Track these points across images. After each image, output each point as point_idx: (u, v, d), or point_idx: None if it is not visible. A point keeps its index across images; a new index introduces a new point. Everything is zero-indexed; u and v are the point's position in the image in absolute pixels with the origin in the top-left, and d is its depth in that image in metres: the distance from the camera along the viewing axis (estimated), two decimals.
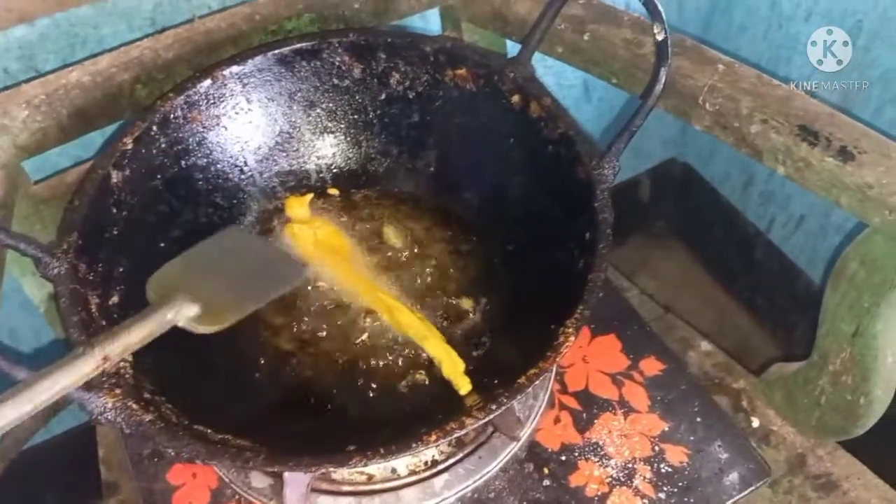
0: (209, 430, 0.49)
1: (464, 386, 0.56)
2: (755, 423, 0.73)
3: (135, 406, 0.47)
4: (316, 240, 0.67)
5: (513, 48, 0.79)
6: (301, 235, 0.67)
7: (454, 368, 0.57)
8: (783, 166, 0.59)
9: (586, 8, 0.68)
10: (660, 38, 0.54)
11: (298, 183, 0.70)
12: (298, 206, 0.69)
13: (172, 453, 0.46)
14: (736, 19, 1.11)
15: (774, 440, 0.72)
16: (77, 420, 0.99)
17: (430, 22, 0.87)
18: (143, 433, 0.46)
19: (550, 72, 1.06)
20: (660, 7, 0.54)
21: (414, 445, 0.46)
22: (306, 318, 0.63)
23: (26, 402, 0.39)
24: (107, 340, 0.43)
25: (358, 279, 0.65)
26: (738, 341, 1.26)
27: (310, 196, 0.70)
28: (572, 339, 0.49)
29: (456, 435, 0.46)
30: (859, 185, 0.55)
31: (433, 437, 0.46)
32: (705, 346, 0.81)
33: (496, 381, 0.53)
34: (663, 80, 0.54)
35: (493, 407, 0.47)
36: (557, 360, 0.49)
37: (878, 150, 0.56)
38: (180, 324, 0.46)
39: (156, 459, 0.63)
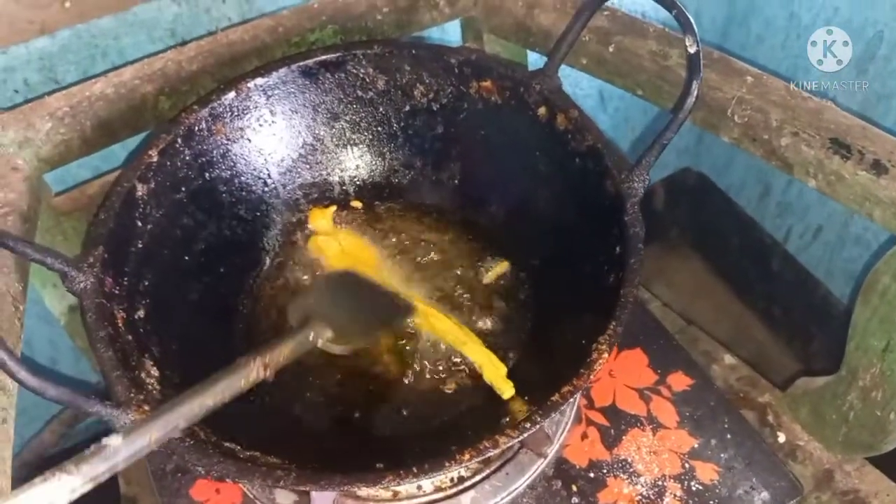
0: (238, 448, 0.49)
1: (507, 390, 0.55)
2: (781, 438, 0.72)
3: None
4: (342, 251, 0.66)
5: (533, 60, 0.79)
6: (326, 247, 0.67)
7: (496, 372, 0.56)
8: (814, 180, 0.58)
9: (612, 19, 0.67)
10: (692, 50, 0.54)
11: (322, 195, 0.70)
12: (322, 218, 0.69)
13: (202, 471, 0.46)
14: (753, 30, 1.10)
15: (801, 455, 0.71)
16: (96, 430, 0.99)
17: (448, 34, 0.87)
18: (172, 451, 0.46)
19: (566, 82, 1.05)
20: (692, 20, 0.54)
21: (448, 464, 0.45)
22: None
23: (208, 399, 0.44)
24: (265, 352, 0.48)
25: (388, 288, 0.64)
26: (756, 353, 1.24)
27: (333, 208, 0.70)
28: (606, 356, 0.48)
29: (490, 454, 0.45)
30: (894, 199, 0.54)
31: (466, 456, 0.45)
32: (729, 359, 0.80)
33: (526, 398, 0.52)
34: (695, 94, 0.54)
35: (527, 425, 0.46)
36: (591, 377, 0.48)
37: None
38: (319, 344, 0.52)
39: (179, 475, 0.62)
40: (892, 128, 0.95)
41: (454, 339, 0.60)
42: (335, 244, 0.67)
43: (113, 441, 0.39)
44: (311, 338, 0.51)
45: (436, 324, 0.61)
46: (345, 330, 0.53)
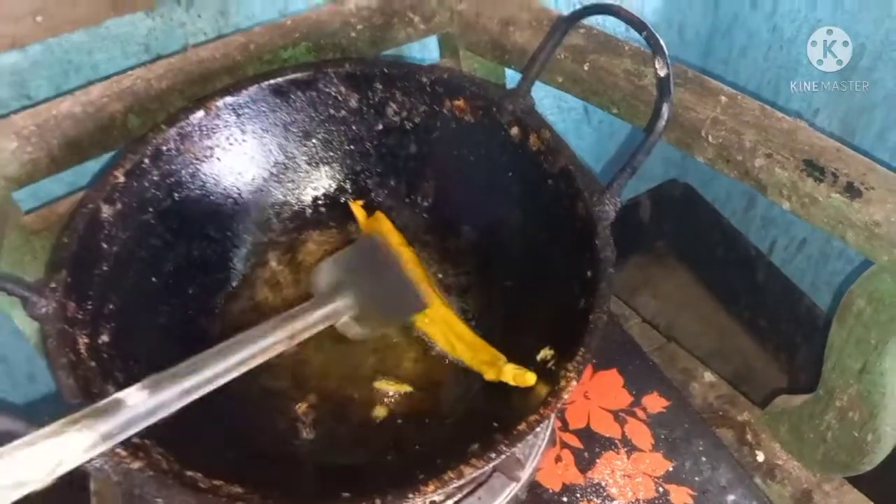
0: (200, 476, 0.48)
1: (529, 379, 0.53)
2: (760, 457, 0.72)
3: (123, 453, 0.45)
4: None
5: (512, 75, 0.78)
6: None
7: (518, 373, 0.54)
8: (788, 202, 0.58)
9: (587, 38, 0.67)
10: (662, 73, 0.53)
11: (294, 215, 0.69)
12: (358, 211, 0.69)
13: (161, 503, 0.45)
14: (737, 43, 1.10)
15: (780, 475, 0.71)
16: None
17: (428, 48, 0.86)
18: (132, 482, 0.45)
19: (550, 94, 1.05)
20: (662, 42, 0.53)
21: (411, 496, 0.44)
22: (303, 356, 0.62)
23: (232, 362, 0.44)
24: (291, 321, 0.47)
25: None
26: (740, 364, 1.25)
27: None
28: (574, 383, 0.48)
29: (455, 485, 0.45)
30: (866, 222, 0.54)
31: (431, 487, 0.44)
32: (709, 376, 0.79)
33: (495, 425, 0.51)
34: (666, 117, 0.53)
35: (493, 455, 0.45)
36: (559, 405, 0.47)
37: (886, 186, 0.55)
38: (339, 322, 0.51)
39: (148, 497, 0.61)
40: (874, 142, 0.96)
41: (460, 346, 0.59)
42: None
43: (131, 397, 0.36)
44: (337, 312, 0.50)
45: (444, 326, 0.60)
46: (367, 310, 0.51)
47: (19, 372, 0.91)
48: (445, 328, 0.60)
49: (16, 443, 0.31)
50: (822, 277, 1.12)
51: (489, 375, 0.56)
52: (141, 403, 0.36)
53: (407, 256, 0.62)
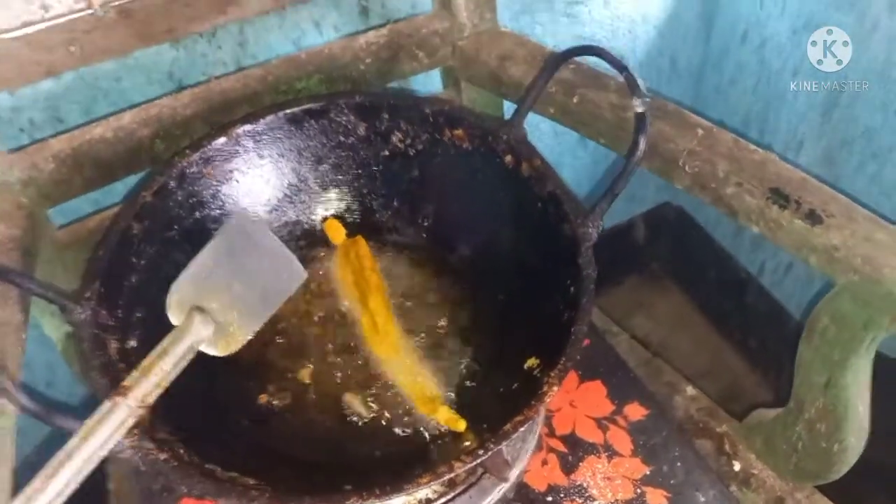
0: (218, 469, 0.53)
1: (460, 426, 0.60)
2: (737, 466, 0.76)
3: (150, 446, 0.50)
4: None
5: (509, 105, 0.83)
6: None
7: (450, 417, 0.61)
8: (756, 226, 0.63)
9: (576, 73, 0.72)
10: (639, 110, 0.59)
11: (305, 232, 0.74)
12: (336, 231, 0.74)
13: (185, 490, 0.50)
14: (726, 73, 1.15)
15: (755, 483, 0.75)
16: None
17: (433, 79, 0.91)
18: (158, 471, 0.50)
19: (547, 120, 1.10)
20: (639, 82, 0.59)
21: (407, 487, 0.49)
22: (311, 361, 0.67)
23: (76, 469, 0.45)
24: (133, 388, 0.48)
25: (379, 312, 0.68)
26: (731, 383, 1.28)
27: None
28: (555, 388, 0.52)
29: (446, 477, 0.50)
30: (826, 246, 0.59)
31: (425, 479, 0.49)
32: (690, 390, 0.84)
33: (484, 426, 0.56)
34: (642, 148, 0.58)
35: (481, 452, 0.50)
36: (541, 408, 0.52)
37: (846, 213, 0.60)
38: (202, 348, 0.52)
39: (165, 494, 0.66)
40: (854, 173, 1.01)
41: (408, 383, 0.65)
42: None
43: None
44: (192, 344, 0.50)
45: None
46: (228, 323, 0.52)
47: (39, 378, 0.95)
48: (396, 357, 0.66)
49: None
50: (808, 299, 1.16)
51: (422, 410, 0.63)
52: None
53: (374, 283, 0.69)
